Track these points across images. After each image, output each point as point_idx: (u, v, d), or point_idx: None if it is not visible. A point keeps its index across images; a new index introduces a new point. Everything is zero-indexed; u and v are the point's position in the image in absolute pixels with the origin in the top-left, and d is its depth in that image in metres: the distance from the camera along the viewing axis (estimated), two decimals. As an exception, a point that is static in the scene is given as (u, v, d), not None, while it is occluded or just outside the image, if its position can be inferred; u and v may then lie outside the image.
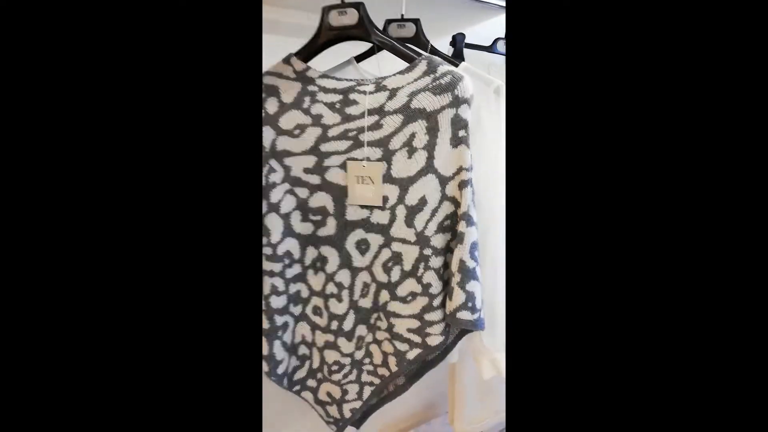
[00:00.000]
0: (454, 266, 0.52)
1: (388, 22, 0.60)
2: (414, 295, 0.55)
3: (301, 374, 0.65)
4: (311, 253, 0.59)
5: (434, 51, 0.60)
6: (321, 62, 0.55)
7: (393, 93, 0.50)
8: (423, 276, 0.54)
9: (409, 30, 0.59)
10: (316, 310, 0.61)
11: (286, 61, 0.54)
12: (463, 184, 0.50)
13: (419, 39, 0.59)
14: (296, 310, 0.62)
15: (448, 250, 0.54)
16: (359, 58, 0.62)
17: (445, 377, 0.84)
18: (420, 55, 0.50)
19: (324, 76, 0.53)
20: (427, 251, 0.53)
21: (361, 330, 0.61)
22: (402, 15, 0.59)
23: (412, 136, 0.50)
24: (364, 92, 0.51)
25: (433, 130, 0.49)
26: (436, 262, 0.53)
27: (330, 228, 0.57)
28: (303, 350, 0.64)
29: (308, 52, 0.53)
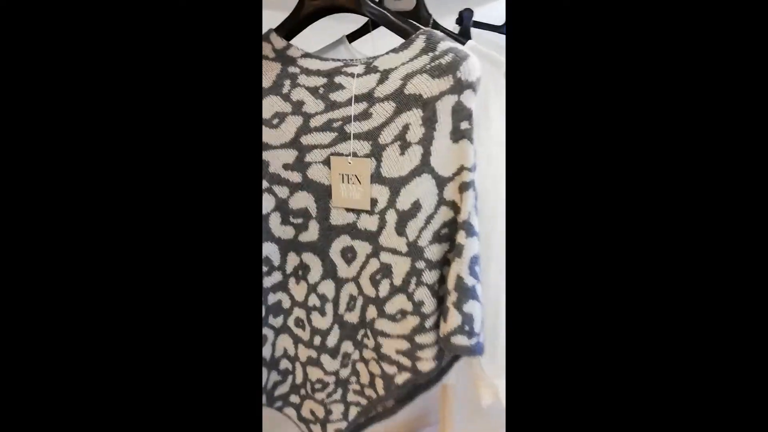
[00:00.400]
0: (451, 283, 0.44)
1: (385, -7, 0.52)
2: (404, 313, 0.48)
3: (283, 389, 0.59)
4: (292, 259, 0.52)
5: (437, 28, 0.51)
6: (309, 44, 0.48)
7: (384, 75, 0.42)
8: (414, 293, 0.46)
9: (409, 2, 0.50)
10: (299, 322, 0.55)
11: (265, 38, 0.47)
12: (464, 187, 0.42)
13: (419, 13, 0.51)
14: (277, 321, 0.56)
15: (445, 263, 0.47)
16: (352, 37, 0.54)
17: (437, 390, 0.77)
18: (418, 29, 0.41)
19: (307, 55, 0.46)
20: (420, 264, 0.45)
21: (347, 346, 0.55)
22: (401, -16, 0.51)
23: (406, 128, 0.42)
24: (352, 75, 0.43)
25: (430, 121, 0.41)
26: (430, 277, 0.46)
27: (312, 233, 0.50)
28: (285, 364, 0.58)
29: (289, 27, 0.46)
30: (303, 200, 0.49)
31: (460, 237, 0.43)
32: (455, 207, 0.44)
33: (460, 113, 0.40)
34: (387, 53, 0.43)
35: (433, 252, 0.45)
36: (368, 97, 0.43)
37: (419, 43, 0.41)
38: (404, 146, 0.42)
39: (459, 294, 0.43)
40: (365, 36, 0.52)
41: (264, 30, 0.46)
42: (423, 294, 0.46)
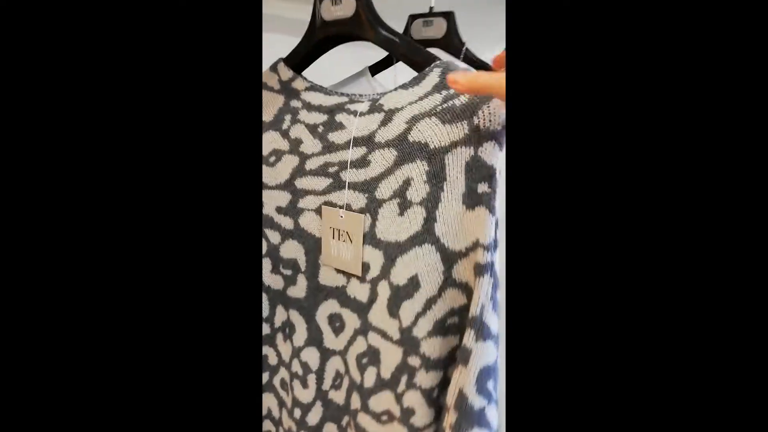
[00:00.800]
0: (451, 397, 0.32)
1: (412, 18, 0.44)
2: (390, 416, 0.37)
3: None
4: (281, 313, 0.45)
5: (471, 60, 0.41)
6: (332, 75, 0.42)
7: (388, 116, 0.34)
8: (404, 395, 0.35)
9: (438, 28, 0.41)
10: (284, 384, 0.47)
11: (273, 68, 0.42)
12: (477, 270, 0.30)
13: (450, 40, 0.41)
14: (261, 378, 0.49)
15: (451, 361, 0.35)
16: (379, 68, 0.47)
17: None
18: (435, 60, 0.32)
19: (312, 88, 0.40)
20: (414, 360, 0.34)
21: (331, 428, 0.45)
22: (431, 8, 0.42)
23: (407, 183, 0.33)
24: (354, 113, 0.36)
25: (436, 178, 0.31)
26: (427, 379, 0.34)
27: (300, 289, 0.42)
28: (268, 426, 0.50)
29: (298, 57, 0.40)
30: (293, 250, 0.42)
31: (468, 338, 0.31)
32: (469, 292, 0.32)
33: (478, 172, 0.29)
34: (396, 89, 0.34)
35: (433, 347, 0.34)
36: (368, 141, 0.35)
37: (432, 77, 0.32)
38: (404, 205, 0.33)
39: (459, 416, 0.31)
40: (390, 67, 0.45)
41: (276, 59, 0.42)
42: (414, 399, 0.35)
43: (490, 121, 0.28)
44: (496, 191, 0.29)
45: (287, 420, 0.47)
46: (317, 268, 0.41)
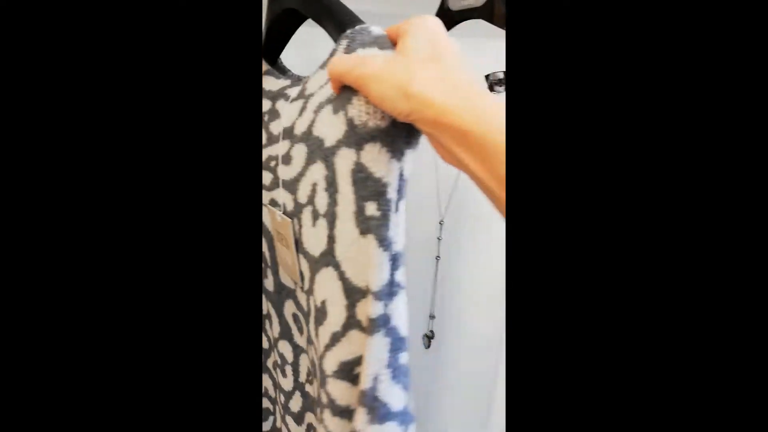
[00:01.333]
0: None
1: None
2: (321, 437, 0.34)
3: (264, 428, 0.56)
4: (265, 302, 0.46)
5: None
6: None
7: (305, 103, 0.27)
8: (319, 427, 0.32)
9: None
10: (276, 367, 0.49)
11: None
12: (369, 327, 0.23)
13: (493, 6, 0.30)
14: None
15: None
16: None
17: None
18: (354, 25, 0.24)
19: (268, 72, 0.35)
20: (323, 397, 0.29)
21: (311, 418, 0.45)
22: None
23: (314, 189, 0.26)
24: (288, 98, 0.31)
25: (332, 188, 0.24)
26: (333, 424, 0.29)
27: (270, 282, 0.42)
28: (266, 403, 0.54)
29: (263, 39, 0.36)
30: (263, 243, 0.41)
31: (359, 420, 0.24)
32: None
33: (364, 185, 0.21)
34: (318, 69, 0.27)
35: (340, 392, 0.27)
36: (290, 134, 0.29)
37: (339, 54, 0.24)
38: (315, 215, 0.27)
39: None
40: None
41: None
42: None
43: (367, 113, 0.19)
44: (390, 217, 0.20)
45: (279, 402, 0.49)
46: (278, 265, 0.39)
